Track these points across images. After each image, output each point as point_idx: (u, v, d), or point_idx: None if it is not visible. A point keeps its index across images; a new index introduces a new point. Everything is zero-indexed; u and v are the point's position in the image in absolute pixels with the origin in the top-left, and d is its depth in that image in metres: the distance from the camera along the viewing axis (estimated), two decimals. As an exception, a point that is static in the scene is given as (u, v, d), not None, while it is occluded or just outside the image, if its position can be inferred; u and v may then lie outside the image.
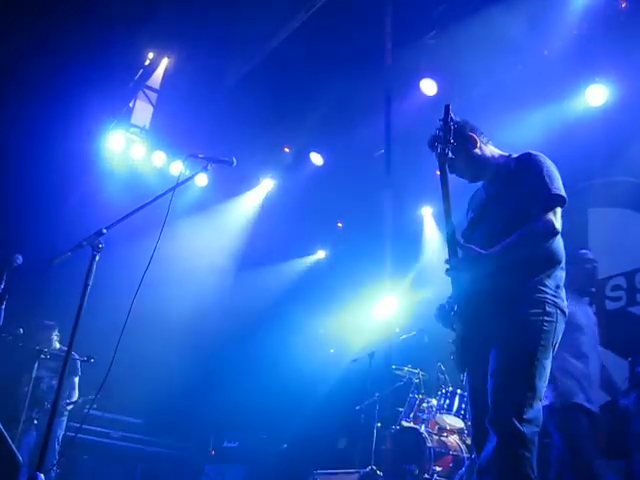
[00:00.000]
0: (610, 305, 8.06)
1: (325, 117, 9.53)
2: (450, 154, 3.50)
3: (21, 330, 7.24)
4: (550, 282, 3.48)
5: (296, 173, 10.60)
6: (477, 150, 3.75)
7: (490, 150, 3.82)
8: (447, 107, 3.56)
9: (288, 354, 10.20)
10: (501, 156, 3.82)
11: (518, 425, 3.16)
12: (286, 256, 10.68)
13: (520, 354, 3.33)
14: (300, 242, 11.07)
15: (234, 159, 4.48)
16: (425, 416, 7.30)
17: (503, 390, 3.28)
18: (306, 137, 10.11)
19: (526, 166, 3.60)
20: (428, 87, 8.20)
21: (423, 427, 7.13)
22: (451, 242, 3.47)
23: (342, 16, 7.82)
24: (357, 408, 8.20)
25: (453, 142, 3.51)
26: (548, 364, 3.37)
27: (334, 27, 7.94)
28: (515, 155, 3.76)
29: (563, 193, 3.53)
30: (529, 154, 3.67)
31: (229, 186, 10.54)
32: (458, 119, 3.68)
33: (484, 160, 3.76)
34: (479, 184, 3.91)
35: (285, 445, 9.79)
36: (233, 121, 9.72)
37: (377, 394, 7.97)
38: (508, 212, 3.52)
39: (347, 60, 8.26)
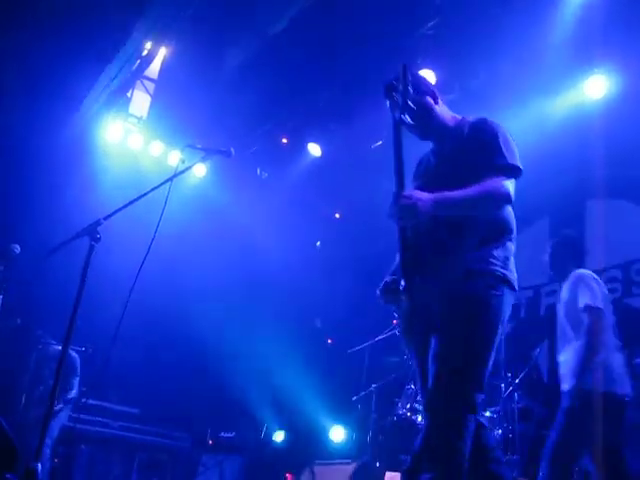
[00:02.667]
0: (606, 297, 8.08)
1: (323, 108, 9.52)
2: (409, 120, 3.26)
3: (19, 320, 7.26)
4: (499, 253, 3.25)
5: (294, 164, 10.59)
6: (433, 108, 3.56)
7: (445, 112, 3.63)
8: (404, 67, 3.29)
9: (285, 345, 10.22)
10: (454, 118, 3.62)
11: (459, 417, 3.00)
12: (283, 246, 10.67)
13: (465, 333, 3.11)
14: (297, 233, 11.07)
15: (232, 150, 4.47)
16: (421, 407, 7.31)
17: (444, 374, 3.08)
18: (304, 128, 10.10)
19: (481, 131, 3.40)
20: (427, 78, 8.18)
21: (419, 418, 7.15)
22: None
23: (340, 6, 7.80)
24: (354, 399, 8.22)
25: (413, 107, 3.27)
26: (495, 341, 3.15)
27: (332, 17, 7.91)
28: (470, 118, 3.55)
29: (519, 164, 3.33)
30: (485, 119, 3.46)
31: (227, 177, 10.52)
32: (416, 75, 3.54)
33: (439, 120, 3.56)
34: (426, 150, 3.72)
35: (282, 435, 9.82)
36: (231, 111, 9.70)
37: (374, 385, 7.99)
38: (459, 176, 3.26)
39: (345, 50, 8.25)
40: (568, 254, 5.47)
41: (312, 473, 7.65)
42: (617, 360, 5.03)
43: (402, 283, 3.23)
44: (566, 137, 7.81)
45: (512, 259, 3.32)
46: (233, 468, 9.00)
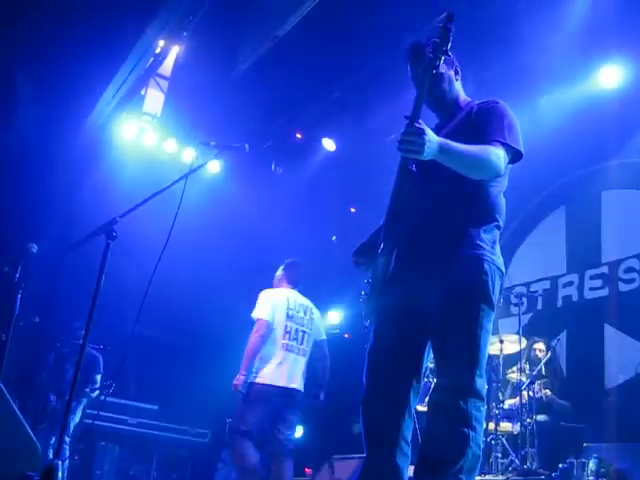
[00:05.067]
0: (623, 287, 8.04)
1: (337, 102, 9.51)
2: (441, 68, 3.15)
3: (37, 318, 7.30)
4: (487, 237, 3.20)
5: (308, 158, 10.60)
6: (453, 82, 3.49)
7: (460, 90, 3.56)
8: (451, 15, 3.20)
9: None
10: (465, 100, 3.54)
11: (462, 404, 2.94)
12: (299, 241, 10.67)
13: (459, 322, 3.06)
14: (313, 227, 11.06)
15: (246, 145, 4.48)
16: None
17: (445, 366, 3.07)
18: (318, 122, 10.10)
19: (489, 110, 3.33)
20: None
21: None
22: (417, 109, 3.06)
23: (353, 1, 7.78)
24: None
25: (449, 55, 3.17)
26: (490, 327, 3.11)
27: (345, 12, 7.90)
28: (480, 101, 3.48)
29: (519, 147, 3.24)
30: (496, 101, 3.38)
31: (241, 173, 10.54)
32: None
33: (453, 96, 3.49)
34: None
35: (301, 429, 9.82)
36: (245, 107, 9.71)
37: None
38: None
39: (358, 44, 8.23)
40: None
41: (331, 467, 7.66)
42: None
43: (381, 245, 3.19)
44: (581, 127, 7.78)
45: (498, 245, 3.28)
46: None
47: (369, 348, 3.28)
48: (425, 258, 3.18)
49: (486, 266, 3.13)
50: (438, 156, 3.02)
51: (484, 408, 3.04)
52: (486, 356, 3.09)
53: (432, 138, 2.97)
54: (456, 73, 3.53)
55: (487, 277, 3.12)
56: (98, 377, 8.14)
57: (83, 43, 7.26)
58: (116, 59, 8.02)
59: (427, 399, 7.31)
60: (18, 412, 3.71)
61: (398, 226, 3.20)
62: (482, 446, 3.02)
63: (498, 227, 3.29)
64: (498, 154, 3.12)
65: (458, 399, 2.96)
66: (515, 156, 3.26)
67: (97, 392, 7.84)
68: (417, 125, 2.95)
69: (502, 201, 3.35)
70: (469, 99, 3.56)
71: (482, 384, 3.03)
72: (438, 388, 3.09)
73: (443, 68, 3.26)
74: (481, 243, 3.16)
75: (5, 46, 7.40)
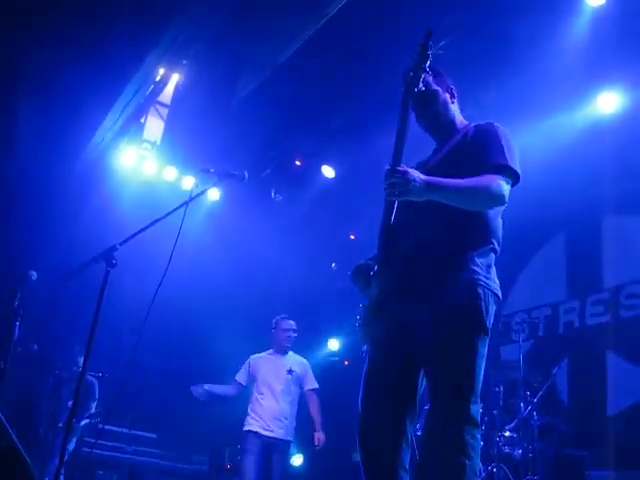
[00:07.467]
0: (625, 313, 8.01)
1: (336, 129, 9.53)
2: (421, 85, 3.18)
3: (35, 346, 7.28)
4: (481, 261, 3.14)
5: (308, 186, 10.61)
6: (448, 104, 3.51)
7: (457, 112, 3.57)
8: (429, 32, 3.22)
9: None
10: (462, 123, 3.54)
11: (457, 431, 2.88)
12: (299, 268, 10.65)
13: (454, 348, 2.99)
14: (313, 255, 11.05)
15: (245, 173, 4.48)
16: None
17: (439, 393, 3.01)
18: (317, 150, 10.12)
19: (485, 132, 3.32)
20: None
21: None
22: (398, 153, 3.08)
23: (353, 26, 7.82)
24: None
25: (429, 72, 3.25)
26: (485, 352, 3.05)
27: (345, 38, 7.94)
28: (476, 123, 3.48)
29: (518, 169, 3.21)
30: (491, 123, 3.38)
31: (241, 200, 10.54)
32: (438, 69, 3.45)
33: (449, 118, 3.50)
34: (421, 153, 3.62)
35: (301, 457, 9.74)
36: (244, 135, 9.73)
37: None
38: (459, 175, 3.11)
39: (359, 72, 8.27)
40: None
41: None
42: None
43: (375, 268, 3.20)
44: (580, 153, 7.79)
45: (494, 268, 3.24)
46: (252, 492, 8.93)
47: (364, 374, 3.25)
48: (418, 283, 3.13)
49: (480, 290, 3.08)
50: (429, 194, 3.02)
51: (479, 435, 2.98)
52: (481, 382, 3.03)
53: (416, 176, 2.98)
54: (452, 96, 3.54)
55: (481, 302, 3.06)
56: (93, 404, 8.08)
57: (83, 71, 7.30)
58: (116, 87, 8.05)
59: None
60: (15, 439, 3.68)
61: (391, 250, 3.19)
62: (480, 474, 2.97)
63: (494, 250, 3.25)
64: (499, 183, 3.10)
65: (452, 426, 2.91)
66: (514, 179, 3.23)
67: (87, 420, 7.78)
68: (399, 168, 2.97)
69: (499, 224, 3.31)
70: (466, 122, 3.56)
71: (477, 411, 2.97)
72: (432, 415, 3.03)
73: (435, 87, 3.37)
74: (475, 267, 3.11)
75: (6, 74, 7.44)
